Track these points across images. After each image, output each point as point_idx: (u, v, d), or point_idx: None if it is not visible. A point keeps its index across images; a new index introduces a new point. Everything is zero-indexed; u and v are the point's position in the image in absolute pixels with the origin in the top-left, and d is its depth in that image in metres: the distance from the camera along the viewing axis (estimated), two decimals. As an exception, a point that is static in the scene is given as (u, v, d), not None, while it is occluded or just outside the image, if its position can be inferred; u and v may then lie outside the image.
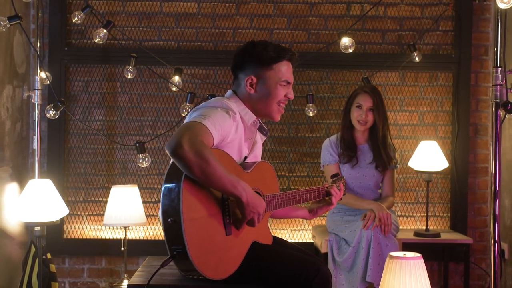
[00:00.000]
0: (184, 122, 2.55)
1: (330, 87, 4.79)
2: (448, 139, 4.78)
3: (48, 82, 4.30)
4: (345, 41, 4.26)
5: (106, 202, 4.48)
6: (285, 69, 2.74)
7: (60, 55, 4.68)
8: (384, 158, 4.04)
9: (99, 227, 4.73)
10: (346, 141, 4.08)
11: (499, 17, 3.04)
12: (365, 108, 4.01)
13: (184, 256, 2.37)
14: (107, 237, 4.74)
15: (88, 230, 4.75)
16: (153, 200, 4.75)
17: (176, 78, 4.45)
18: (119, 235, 4.71)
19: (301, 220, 4.74)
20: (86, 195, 4.75)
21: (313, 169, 4.77)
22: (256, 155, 2.84)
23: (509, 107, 2.96)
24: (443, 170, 4.46)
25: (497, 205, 2.96)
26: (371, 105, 4.00)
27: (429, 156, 4.39)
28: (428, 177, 4.41)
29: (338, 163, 4.09)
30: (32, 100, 4.24)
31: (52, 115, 4.21)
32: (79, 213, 4.75)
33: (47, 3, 4.65)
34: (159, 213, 2.54)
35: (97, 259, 4.75)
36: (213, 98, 2.73)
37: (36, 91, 4.19)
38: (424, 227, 4.54)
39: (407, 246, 4.04)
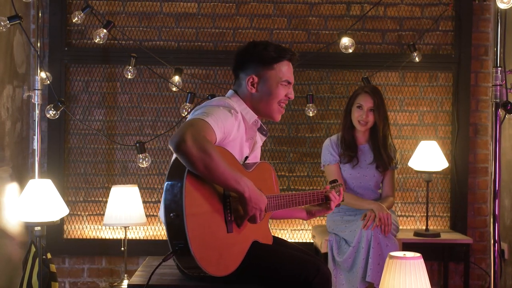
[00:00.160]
0: (187, 119, 2.56)
1: (330, 87, 4.79)
2: (448, 139, 4.78)
3: (48, 82, 4.30)
4: (345, 41, 4.26)
5: (106, 202, 4.48)
6: (285, 69, 2.77)
7: (60, 55, 4.69)
8: (385, 158, 4.04)
9: (99, 227, 4.73)
10: (346, 141, 4.08)
11: (499, 17, 3.04)
12: (366, 109, 4.01)
13: (186, 252, 2.37)
14: (107, 237, 4.74)
15: (88, 230, 4.75)
16: (153, 200, 4.75)
17: (176, 78, 4.45)
18: (119, 235, 4.72)
19: (301, 220, 4.73)
20: (86, 195, 4.75)
21: (313, 169, 4.77)
22: (256, 156, 2.85)
23: (509, 107, 2.96)
24: (443, 170, 4.46)
25: (497, 205, 2.96)
26: (371, 105, 4.00)
27: (429, 156, 4.39)
28: (428, 177, 4.41)
29: (339, 163, 4.09)
30: (32, 100, 4.25)
31: (52, 115, 4.21)
32: (79, 213, 4.75)
33: (47, 3, 4.65)
34: (160, 212, 2.54)
35: (97, 259, 4.75)
36: (215, 98, 2.75)
37: (36, 91, 4.19)
38: (424, 227, 4.54)
39: (407, 246, 4.04)
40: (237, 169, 2.54)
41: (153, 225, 4.75)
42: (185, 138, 2.34)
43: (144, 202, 4.58)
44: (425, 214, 4.52)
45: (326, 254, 3.98)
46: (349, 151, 4.07)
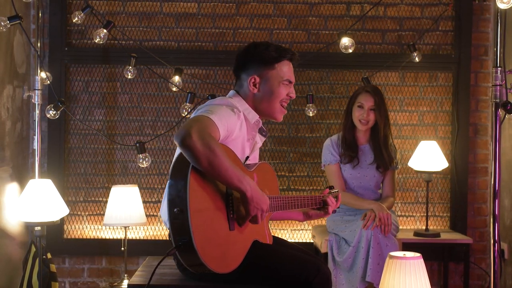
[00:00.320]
0: (190, 117, 2.57)
1: (330, 87, 4.79)
2: (448, 139, 4.79)
3: (48, 82, 4.30)
4: (345, 41, 4.26)
5: (106, 202, 4.48)
6: (286, 69, 2.79)
7: (60, 55, 4.69)
8: (386, 157, 4.04)
9: (99, 227, 4.74)
10: (347, 141, 4.08)
11: (499, 17, 3.05)
12: (367, 108, 4.01)
13: (189, 247, 2.37)
14: (107, 237, 4.74)
15: (88, 230, 4.75)
16: (153, 200, 4.75)
17: (176, 78, 4.46)
18: (119, 235, 4.72)
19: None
20: (86, 195, 4.76)
21: (313, 169, 4.77)
22: (255, 157, 2.87)
23: (508, 107, 2.96)
24: (443, 170, 4.46)
25: (497, 205, 2.97)
26: (372, 104, 4.00)
27: (429, 156, 4.39)
28: (428, 177, 4.41)
29: (339, 163, 4.09)
30: (33, 100, 4.25)
31: (52, 115, 4.22)
32: (79, 213, 4.75)
33: (47, 3, 4.65)
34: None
35: (97, 259, 4.75)
36: (217, 98, 2.77)
37: (36, 91, 4.19)
38: (424, 227, 4.54)
39: (407, 246, 4.04)
40: (240, 168, 2.55)
41: (153, 225, 4.75)
42: (191, 133, 2.36)
43: (144, 202, 4.59)
44: (425, 214, 4.52)
45: (326, 254, 3.98)
46: (349, 151, 4.07)
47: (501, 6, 2.96)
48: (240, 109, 2.69)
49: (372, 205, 3.87)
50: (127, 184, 4.65)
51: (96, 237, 4.74)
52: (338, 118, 4.72)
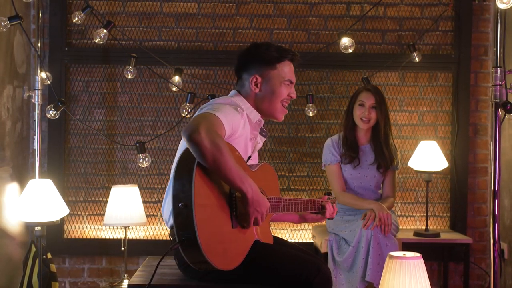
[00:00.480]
0: (194, 115, 2.58)
1: (330, 87, 4.79)
2: (448, 139, 4.79)
3: (49, 82, 4.30)
4: (345, 41, 4.27)
5: (106, 202, 4.48)
6: (287, 69, 2.81)
7: (61, 55, 4.69)
8: (387, 156, 4.04)
9: (99, 227, 4.74)
10: (348, 141, 4.08)
11: (498, 17, 3.05)
12: (368, 106, 4.01)
13: (193, 242, 2.37)
14: (107, 237, 4.74)
15: (89, 230, 4.76)
16: (153, 200, 4.75)
17: (176, 78, 4.46)
18: (119, 235, 4.72)
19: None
20: (86, 195, 4.76)
21: (313, 169, 4.77)
22: (255, 157, 2.88)
23: (508, 107, 2.96)
24: (442, 170, 4.46)
25: (497, 205, 2.97)
26: (373, 102, 4.01)
27: (429, 156, 4.40)
28: (428, 177, 4.41)
29: (340, 163, 4.09)
30: (33, 100, 4.25)
31: (52, 115, 4.22)
32: (79, 213, 4.75)
33: (47, 3, 4.65)
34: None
35: (97, 259, 4.75)
36: (219, 97, 2.78)
37: (36, 91, 4.20)
38: (424, 227, 4.54)
39: (407, 246, 4.05)
40: (243, 168, 2.56)
41: (153, 225, 4.75)
42: (199, 129, 2.38)
43: (144, 202, 4.59)
44: (425, 214, 4.52)
45: (326, 254, 3.98)
46: (350, 151, 4.07)
47: (501, 6, 2.97)
48: (243, 108, 2.71)
49: (372, 205, 3.88)
50: (127, 184, 4.65)
51: (96, 237, 4.75)
52: (338, 118, 4.72)
